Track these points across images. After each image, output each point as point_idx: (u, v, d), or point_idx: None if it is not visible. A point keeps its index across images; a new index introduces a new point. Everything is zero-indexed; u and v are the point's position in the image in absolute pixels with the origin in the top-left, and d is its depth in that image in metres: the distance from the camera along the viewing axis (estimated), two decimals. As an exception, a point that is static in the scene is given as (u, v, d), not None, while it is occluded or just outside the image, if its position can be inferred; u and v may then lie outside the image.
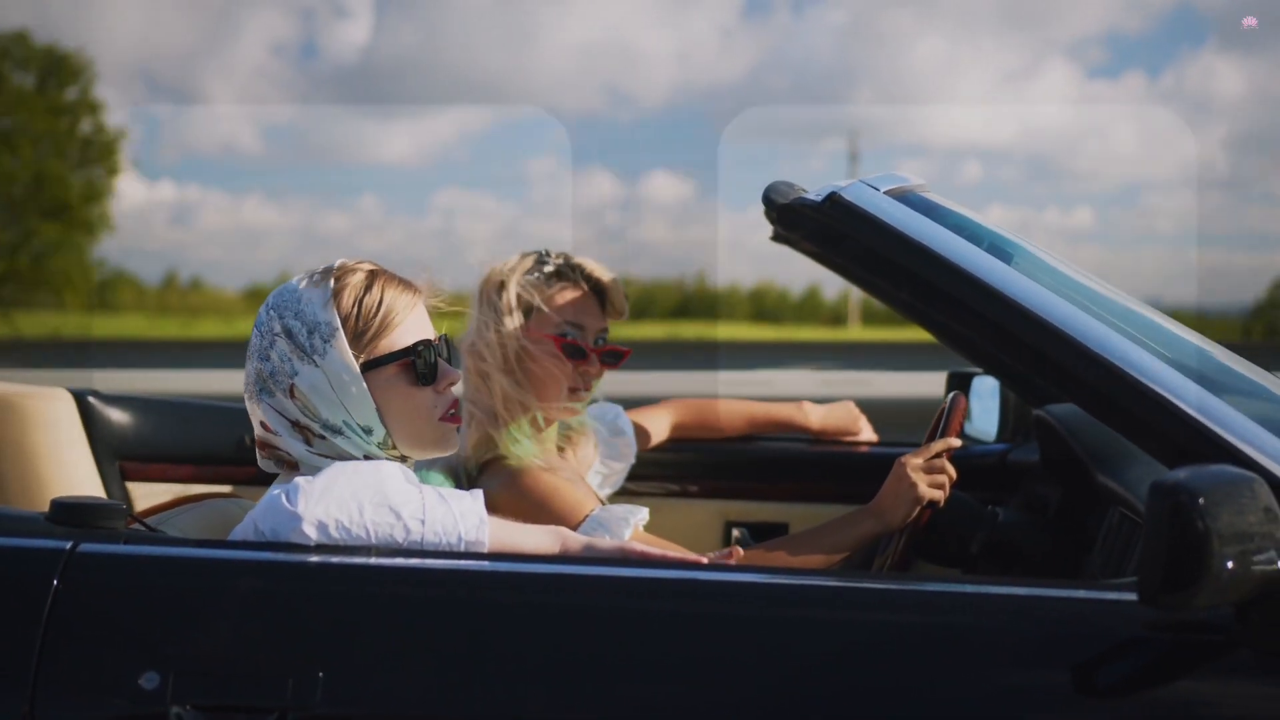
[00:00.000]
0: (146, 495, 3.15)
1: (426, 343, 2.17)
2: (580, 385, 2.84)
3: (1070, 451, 2.78)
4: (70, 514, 1.96)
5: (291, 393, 2.12)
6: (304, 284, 2.18)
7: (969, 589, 1.87)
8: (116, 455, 3.14)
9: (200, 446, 3.24)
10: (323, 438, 2.13)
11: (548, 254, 2.86)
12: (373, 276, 2.18)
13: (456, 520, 1.95)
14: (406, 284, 2.21)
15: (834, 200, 2.13)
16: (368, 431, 2.13)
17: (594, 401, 3.07)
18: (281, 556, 1.89)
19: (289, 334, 2.13)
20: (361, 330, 2.14)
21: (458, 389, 2.23)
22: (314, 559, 1.89)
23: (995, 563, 2.77)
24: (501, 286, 2.79)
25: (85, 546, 1.91)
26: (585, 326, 2.83)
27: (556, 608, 1.86)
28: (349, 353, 2.11)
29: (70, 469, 3.01)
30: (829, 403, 3.51)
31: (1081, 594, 1.85)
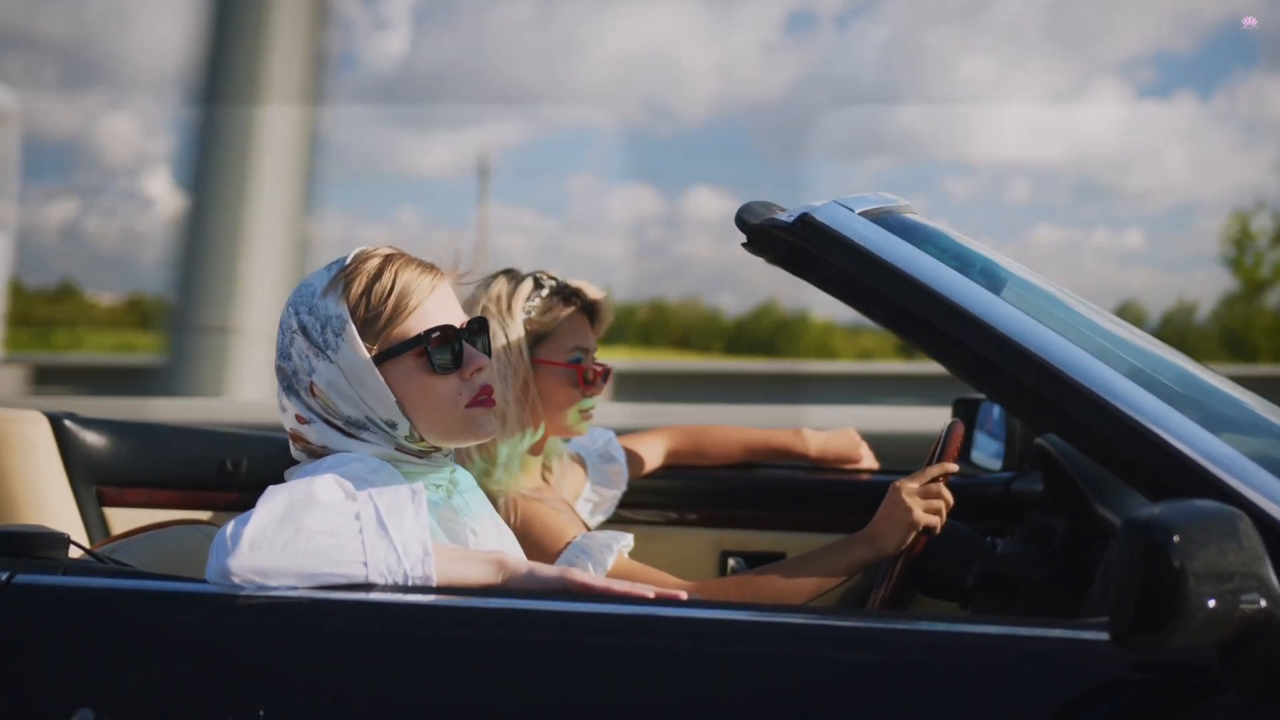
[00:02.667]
0: (126, 521, 3.12)
1: (444, 329, 2.11)
2: (590, 409, 2.84)
3: (1072, 482, 2.72)
4: (8, 543, 1.92)
5: (312, 390, 2.08)
6: (317, 278, 2.13)
7: (935, 626, 1.81)
8: (94, 480, 3.10)
9: (181, 471, 3.20)
10: (352, 434, 2.09)
11: (542, 274, 2.83)
12: (387, 261, 2.12)
13: (400, 557, 1.88)
14: (427, 266, 2.15)
15: (804, 221, 2.08)
16: (392, 426, 2.09)
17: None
18: (226, 589, 1.84)
19: (304, 330, 2.09)
20: (372, 319, 2.08)
21: (487, 374, 2.17)
22: (259, 592, 1.84)
23: (993, 596, 2.71)
24: (504, 314, 2.75)
25: (21, 577, 1.87)
26: (588, 348, 2.81)
27: (501, 643, 1.81)
28: (360, 345, 2.06)
29: (44, 494, 2.98)
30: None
31: (1055, 632, 1.78)
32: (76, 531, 2.98)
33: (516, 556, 2.02)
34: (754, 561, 3.27)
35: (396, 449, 2.10)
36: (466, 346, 2.13)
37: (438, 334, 2.10)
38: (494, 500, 2.67)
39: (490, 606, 1.87)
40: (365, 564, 1.86)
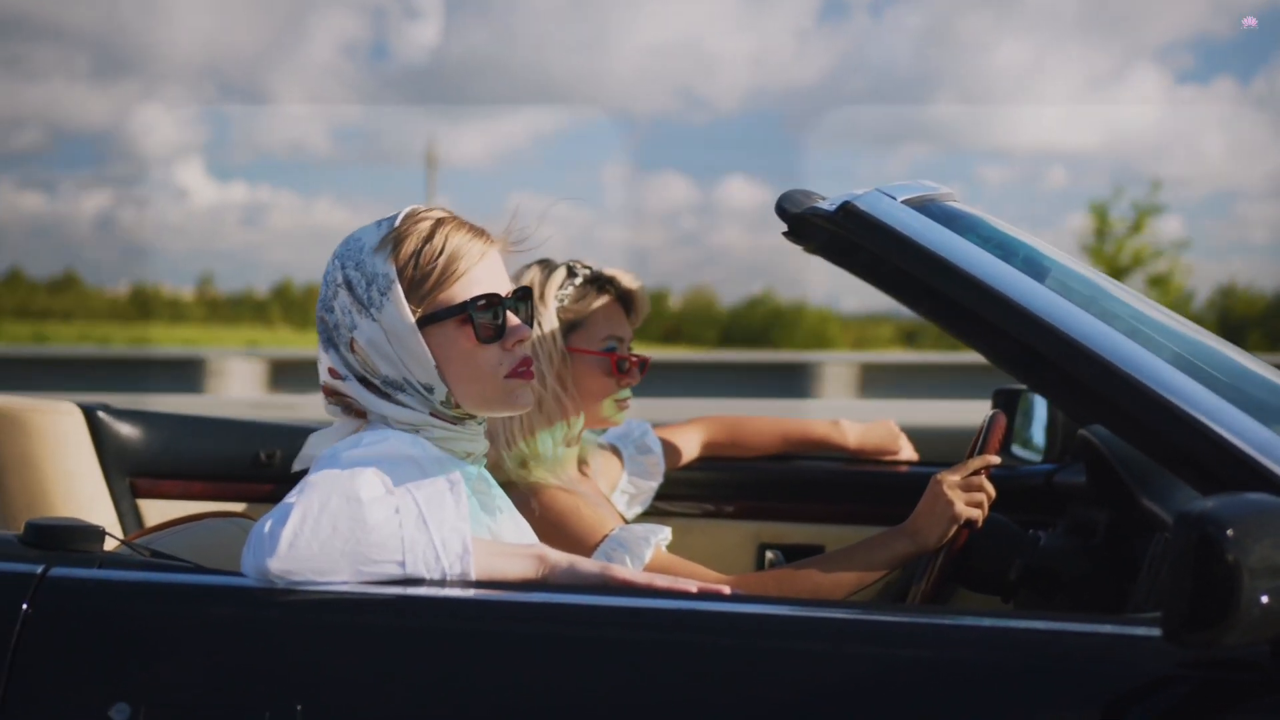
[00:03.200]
0: (159, 513, 3.12)
1: (490, 297, 2.08)
2: (626, 399, 2.83)
3: (1115, 474, 2.68)
4: (44, 536, 1.92)
5: (352, 347, 2.06)
6: (368, 233, 2.11)
7: (981, 621, 1.79)
8: (127, 471, 3.10)
9: (214, 463, 3.20)
10: (387, 394, 2.07)
11: (576, 263, 2.81)
12: (439, 224, 2.10)
13: (439, 555, 1.87)
14: (478, 231, 2.12)
15: (846, 210, 2.06)
16: (429, 390, 2.06)
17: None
18: (260, 584, 1.83)
19: (349, 285, 2.07)
20: (419, 281, 2.06)
21: (527, 347, 2.15)
22: (295, 587, 1.83)
23: (1035, 590, 2.68)
24: (537, 303, 2.73)
25: (57, 570, 1.87)
26: (623, 338, 2.79)
27: (539, 637, 1.80)
28: (405, 306, 2.04)
29: (78, 485, 2.98)
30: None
31: (1105, 628, 1.76)
32: (110, 523, 2.98)
33: (557, 551, 2.00)
34: (792, 554, 3.25)
35: (431, 413, 2.08)
36: (510, 316, 2.11)
37: (483, 301, 2.07)
38: (531, 491, 2.65)
39: (530, 601, 1.86)
40: (403, 563, 1.85)
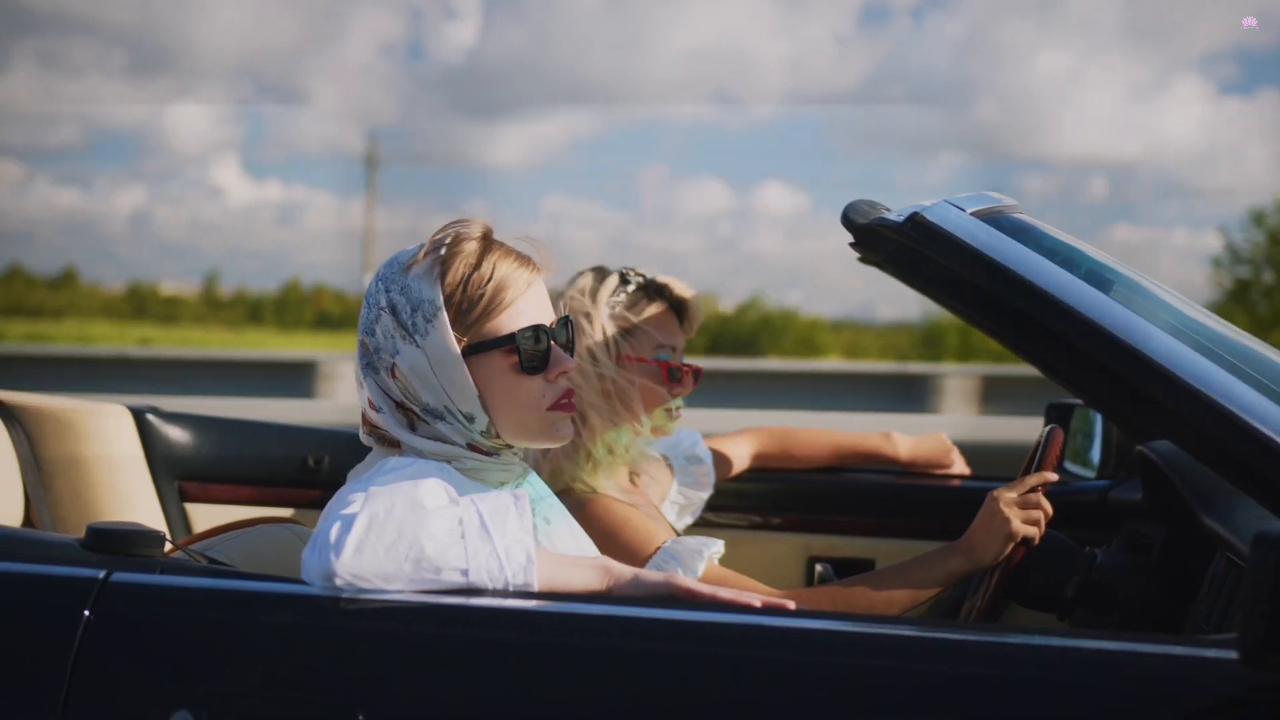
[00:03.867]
0: (206, 517, 3.12)
1: (538, 329, 2.07)
2: (678, 408, 2.83)
3: (1174, 491, 2.67)
4: (105, 541, 1.92)
5: (393, 372, 2.04)
6: (413, 255, 2.08)
7: (1052, 641, 1.77)
8: (176, 475, 3.11)
9: (263, 467, 3.20)
10: (426, 422, 2.05)
11: (629, 272, 2.80)
12: (486, 249, 2.07)
13: (502, 565, 1.86)
14: (524, 259, 2.10)
15: (915, 221, 2.05)
16: (470, 419, 2.05)
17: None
18: (322, 591, 1.83)
19: (393, 309, 2.04)
20: (466, 309, 2.03)
21: (570, 379, 2.15)
22: (358, 594, 1.83)
23: (1092, 608, 2.66)
24: (589, 309, 2.73)
25: (119, 575, 1.87)
26: (675, 347, 2.79)
27: (602, 650, 1.79)
28: (451, 335, 2.02)
29: (127, 488, 2.99)
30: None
31: (1178, 650, 1.74)
32: (158, 527, 2.98)
33: (620, 564, 1.99)
34: (842, 567, 3.24)
35: (468, 444, 2.07)
36: (554, 348, 2.10)
37: (530, 333, 2.07)
38: (584, 500, 2.65)
39: (592, 613, 1.85)
40: (466, 571, 1.84)
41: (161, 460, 3.09)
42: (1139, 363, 1.92)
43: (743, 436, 3.29)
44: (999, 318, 2.05)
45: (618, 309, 2.75)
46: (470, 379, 2.03)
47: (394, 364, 2.04)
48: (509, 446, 2.11)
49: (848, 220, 2.12)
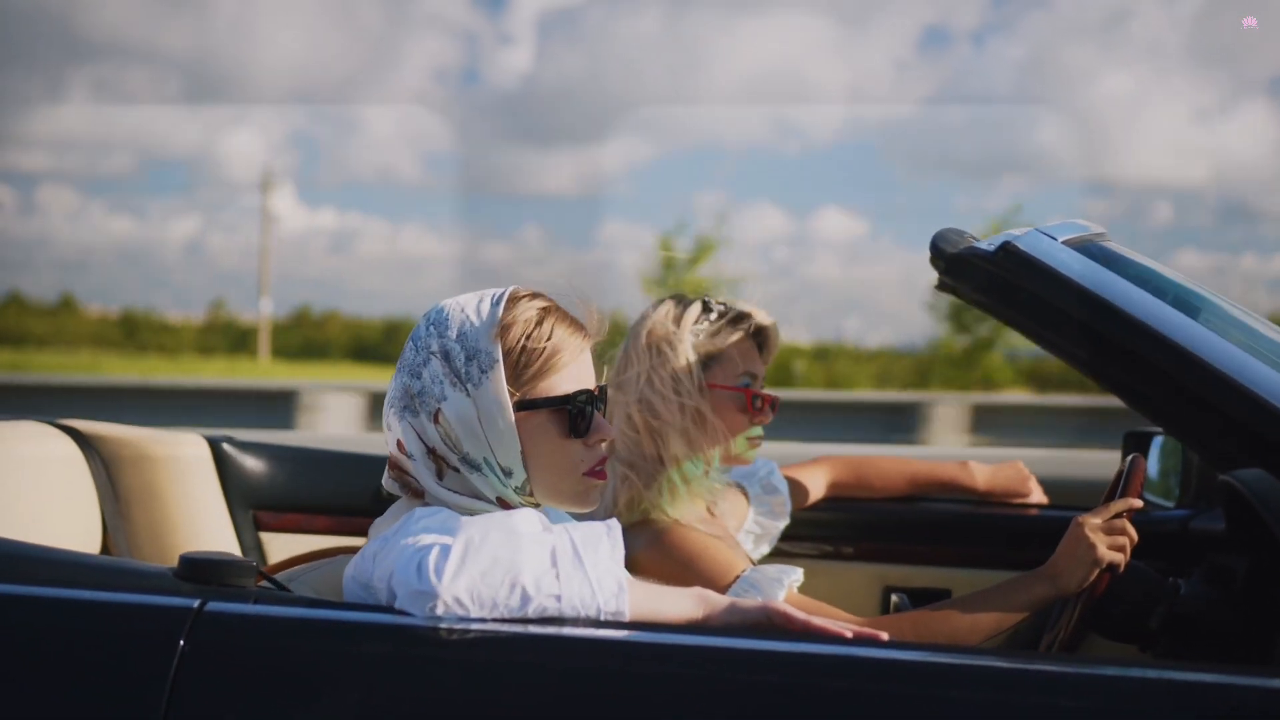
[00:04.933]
0: (280, 546, 3.16)
1: (588, 393, 2.12)
2: (758, 436, 2.85)
3: (1259, 520, 2.66)
4: (199, 571, 1.95)
5: (436, 418, 2.07)
6: (471, 306, 2.12)
7: (1146, 673, 1.78)
8: (250, 504, 3.14)
9: (336, 497, 3.23)
10: (456, 470, 2.08)
11: (710, 299, 2.83)
12: (545, 312, 2.12)
13: (594, 591, 1.89)
14: (578, 326, 2.15)
15: (1008, 250, 2.06)
16: (507, 474, 2.08)
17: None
18: (416, 621, 1.86)
19: (446, 356, 2.08)
20: (523, 368, 2.08)
21: (607, 447, 2.18)
22: (450, 624, 1.85)
23: (1176, 640, 2.66)
24: (672, 337, 2.76)
25: (213, 605, 1.90)
26: (757, 374, 2.82)
27: (701, 681, 1.81)
28: (505, 389, 2.06)
29: (203, 518, 3.03)
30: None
31: (1269, 682, 1.74)
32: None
33: (715, 593, 2.01)
34: (917, 597, 3.24)
35: (497, 498, 2.10)
36: (597, 414, 2.14)
37: (583, 397, 2.11)
38: (663, 530, 2.67)
39: (681, 644, 1.87)
40: (559, 597, 1.87)
41: (237, 489, 3.13)
42: (1232, 390, 1.93)
43: (818, 466, 3.30)
44: (1088, 347, 2.06)
45: (701, 336, 2.78)
46: (516, 434, 2.06)
47: (439, 409, 2.07)
48: (536, 505, 2.14)
49: (936, 249, 2.14)
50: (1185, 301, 2.27)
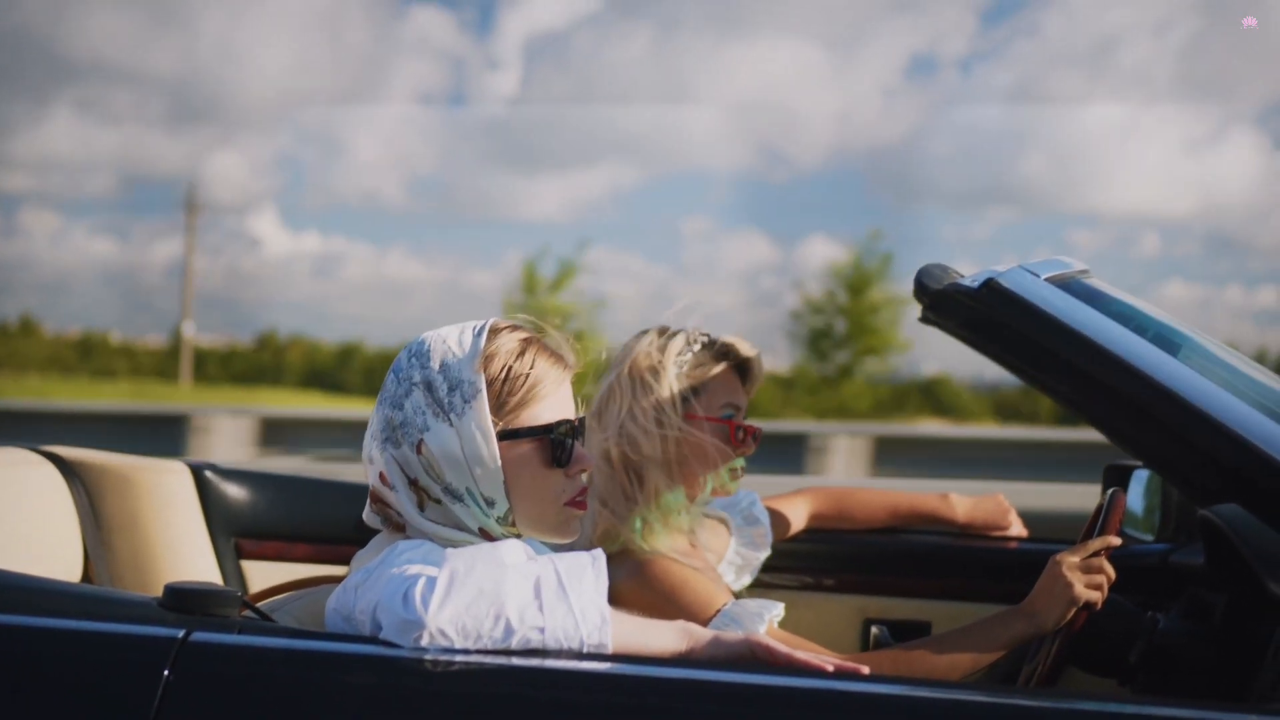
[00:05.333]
0: (261, 574, 3.16)
1: (569, 423, 2.14)
2: (740, 468, 2.86)
3: (1238, 555, 2.69)
4: (184, 600, 1.96)
5: (419, 448, 2.09)
6: (453, 338, 2.15)
7: (1124, 708, 1.80)
8: (232, 532, 3.15)
9: (318, 525, 3.24)
10: (439, 502, 2.10)
11: (693, 330, 2.85)
12: (527, 343, 2.15)
13: (578, 623, 1.91)
14: (559, 357, 2.18)
15: (991, 286, 2.09)
16: (490, 504, 2.10)
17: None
18: (401, 652, 1.87)
19: (428, 386, 2.10)
20: (505, 397, 2.10)
21: (587, 477, 2.20)
22: (434, 655, 1.87)
23: (1155, 674, 2.68)
24: (656, 368, 2.78)
25: (198, 635, 1.91)
26: (740, 406, 2.84)
27: (685, 714, 1.82)
28: (489, 418, 2.08)
29: (184, 545, 3.03)
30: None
31: (1244, 718, 1.77)
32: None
33: (698, 626, 2.03)
34: (898, 629, 3.26)
35: (480, 529, 2.12)
36: (577, 445, 2.16)
37: (565, 426, 2.13)
38: (644, 562, 2.69)
39: (666, 676, 1.89)
40: (543, 629, 1.89)
41: (219, 517, 3.13)
42: (1209, 426, 1.96)
43: (799, 497, 3.32)
44: (1071, 383, 2.09)
45: (685, 368, 2.80)
46: (499, 463, 2.08)
47: (421, 440, 2.09)
48: (518, 536, 2.16)
49: (920, 286, 2.16)
50: (1165, 338, 2.30)
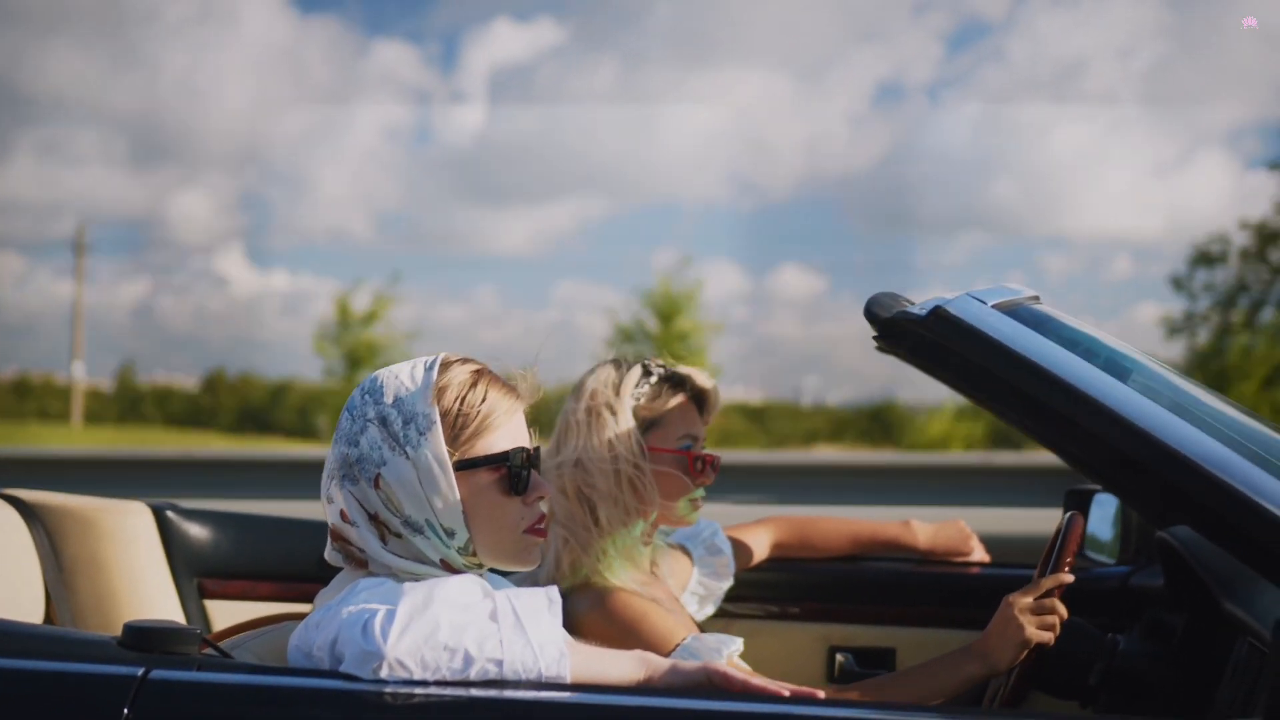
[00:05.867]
0: (225, 613, 3.17)
1: (525, 451, 2.17)
2: (699, 498, 2.88)
3: (1195, 577, 2.73)
4: (143, 639, 1.98)
5: (376, 483, 2.11)
6: (405, 373, 2.18)
7: None
8: (195, 572, 3.16)
9: (281, 564, 3.26)
10: (399, 535, 2.12)
11: (650, 362, 2.88)
12: (479, 375, 2.18)
13: (536, 656, 1.94)
14: (510, 388, 2.21)
15: (938, 314, 2.13)
16: (450, 534, 2.12)
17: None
18: (361, 686, 1.90)
19: (383, 421, 2.13)
20: (460, 428, 2.13)
21: (545, 504, 2.23)
22: (394, 689, 1.89)
23: (1115, 695, 2.71)
24: (613, 402, 2.80)
25: (157, 673, 1.92)
26: (697, 437, 2.86)
27: None
28: (444, 449, 2.11)
29: (146, 586, 3.04)
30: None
31: None
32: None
33: (655, 655, 2.06)
34: (862, 657, 3.29)
35: (441, 560, 2.15)
36: (534, 472, 2.19)
37: (523, 454, 2.16)
38: (603, 595, 2.71)
39: (625, 705, 1.91)
40: (500, 662, 1.92)
41: (181, 557, 3.14)
42: (1158, 450, 2.00)
43: (761, 526, 3.35)
44: (1021, 408, 2.12)
45: (642, 400, 2.82)
46: (457, 493, 2.11)
47: (379, 474, 2.11)
48: (479, 565, 2.19)
49: (870, 314, 2.20)
50: (1117, 364, 2.33)
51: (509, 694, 1.90)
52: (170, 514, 3.15)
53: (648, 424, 2.81)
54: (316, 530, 3.27)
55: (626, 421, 2.78)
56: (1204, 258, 29.62)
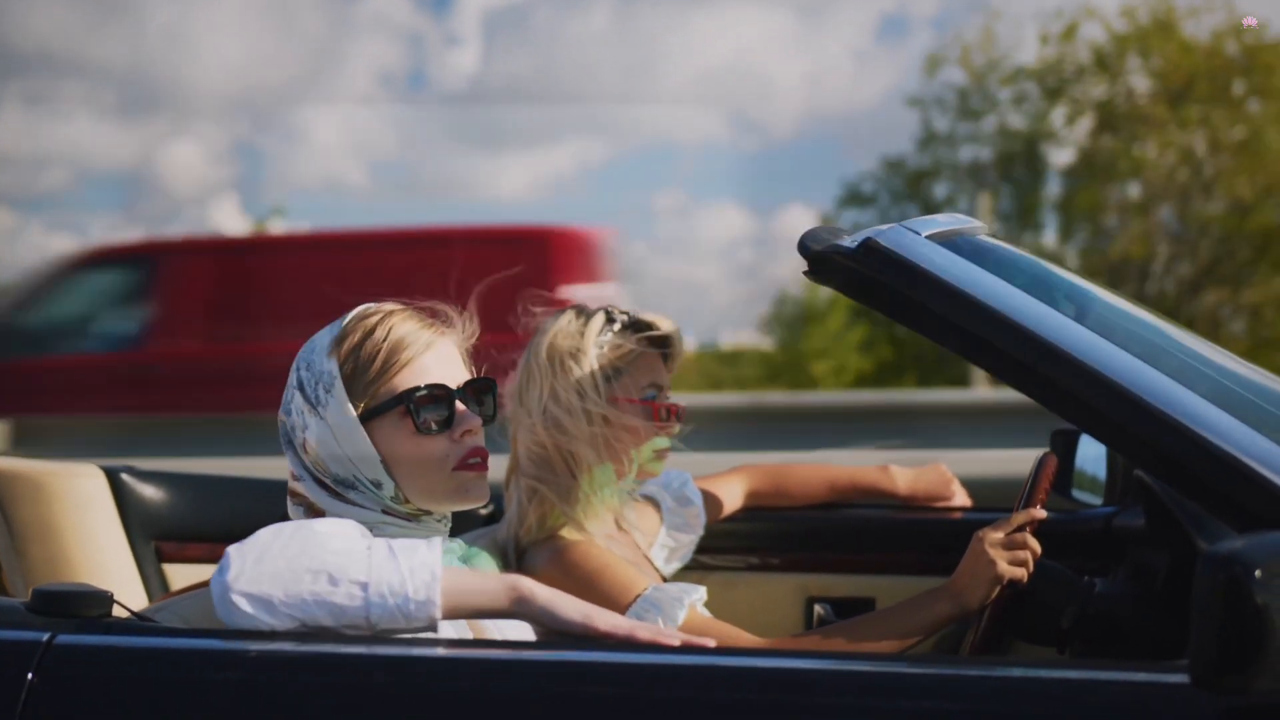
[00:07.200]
0: (185, 577, 3.16)
1: (432, 387, 2.13)
2: (665, 449, 2.86)
3: (1172, 516, 2.69)
4: (51, 603, 1.96)
5: (305, 447, 2.13)
6: (323, 333, 2.19)
7: (1011, 672, 1.80)
8: (152, 535, 3.14)
9: (240, 525, 3.22)
10: (338, 495, 2.13)
11: (614, 310, 2.84)
12: (386, 316, 2.17)
13: (405, 579, 1.90)
14: (428, 322, 2.19)
15: (868, 246, 2.09)
16: (378, 486, 2.12)
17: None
18: (268, 646, 1.88)
19: (301, 387, 2.15)
20: (359, 374, 2.12)
21: (478, 437, 2.20)
22: (301, 648, 1.87)
23: (1092, 639, 2.68)
24: (577, 350, 2.77)
25: (63, 638, 1.91)
26: (662, 385, 2.83)
27: (552, 697, 1.83)
28: (347, 402, 2.11)
29: (101, 551, 3.03)
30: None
31: (1136, 676, 1.76)
32: (135, 589, 3.02)
33: (539, 585, 2.00)
34: (841, 607, 3.25)
35: (384, 510, 2.14)
36: (459, 406, 2.16)
37: (424, 392, 2.13)
38: (562, 548, 2.69)
39: (546, 659, 1.89)
40: (365, 585, 1.89)
41: (137, 521, 3.12)
42: (1094, 381, 1.96)
43: (734, 475, 3.32)
44: (957, 339, 2.08)
45: (605, 348, 2.79)
46: (370, 445, 2.11)
47: (305, 439, 2.13)
48: (428, 513, 2.17)
49: (804, 248, 2.17)
50: (1075, 298, 2.29)
51: (422, 651, 1.88)
52: (125, 476, 3.13)
53: (612, 372, 2.78)
54: (275, 490, 3.25)
55: (590, 369, 2.75)
56: (855, 198, 29.39)
